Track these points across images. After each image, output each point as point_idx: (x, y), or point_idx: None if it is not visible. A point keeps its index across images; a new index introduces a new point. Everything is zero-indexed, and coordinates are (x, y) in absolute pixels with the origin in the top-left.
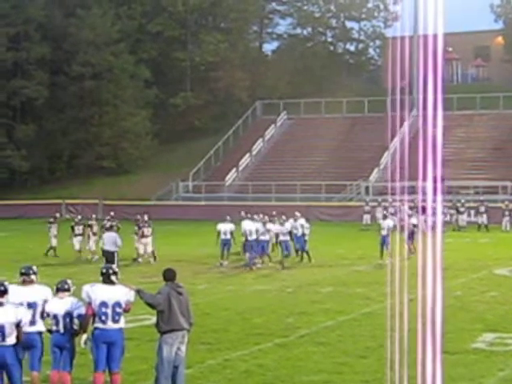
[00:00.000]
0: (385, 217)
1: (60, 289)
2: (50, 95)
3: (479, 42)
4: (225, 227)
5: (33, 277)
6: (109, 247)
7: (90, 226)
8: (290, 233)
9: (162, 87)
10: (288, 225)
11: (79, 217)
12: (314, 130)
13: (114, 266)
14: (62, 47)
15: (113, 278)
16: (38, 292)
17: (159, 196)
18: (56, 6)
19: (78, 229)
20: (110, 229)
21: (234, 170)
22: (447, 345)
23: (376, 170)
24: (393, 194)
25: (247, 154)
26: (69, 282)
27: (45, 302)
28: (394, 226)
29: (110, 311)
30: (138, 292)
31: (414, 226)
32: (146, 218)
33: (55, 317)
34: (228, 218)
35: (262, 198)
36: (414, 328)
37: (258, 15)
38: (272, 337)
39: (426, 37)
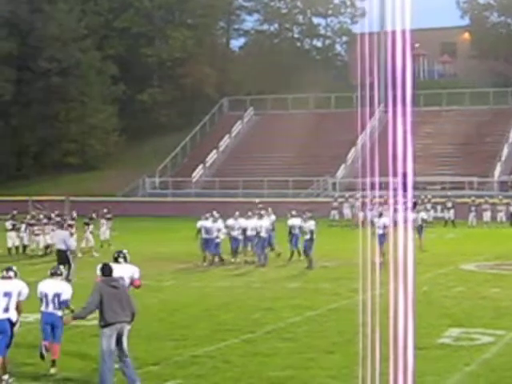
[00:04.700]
0: (380, 215)
1: (53, 273)
2: (17, 91)
3: (446, 38)
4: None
5: (11, 273)
6: (59, 246)
7: (32, 225)
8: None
9: (129, 83)
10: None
11: (14, 212)
12: (281, 125)
13: (125, 251)
14: (28, 43)
15: (120, 260)
16: (15, 285)
17: (126, 192)
18: (22, 1)
19: (10, 224)
20: (61, 227)
21: (201, 166)
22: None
23: (343, 166)
24: (363, 189)
25: (214, 150)
26: (61, 267)
27: (19, 294)
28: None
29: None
30: (76, 317)
31: (424, 220)
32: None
33: (46, 296)
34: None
35: (229, 194)
36: (385, 323)
37: (225, 11)
38: (239, 333)
39: (393, 33)
